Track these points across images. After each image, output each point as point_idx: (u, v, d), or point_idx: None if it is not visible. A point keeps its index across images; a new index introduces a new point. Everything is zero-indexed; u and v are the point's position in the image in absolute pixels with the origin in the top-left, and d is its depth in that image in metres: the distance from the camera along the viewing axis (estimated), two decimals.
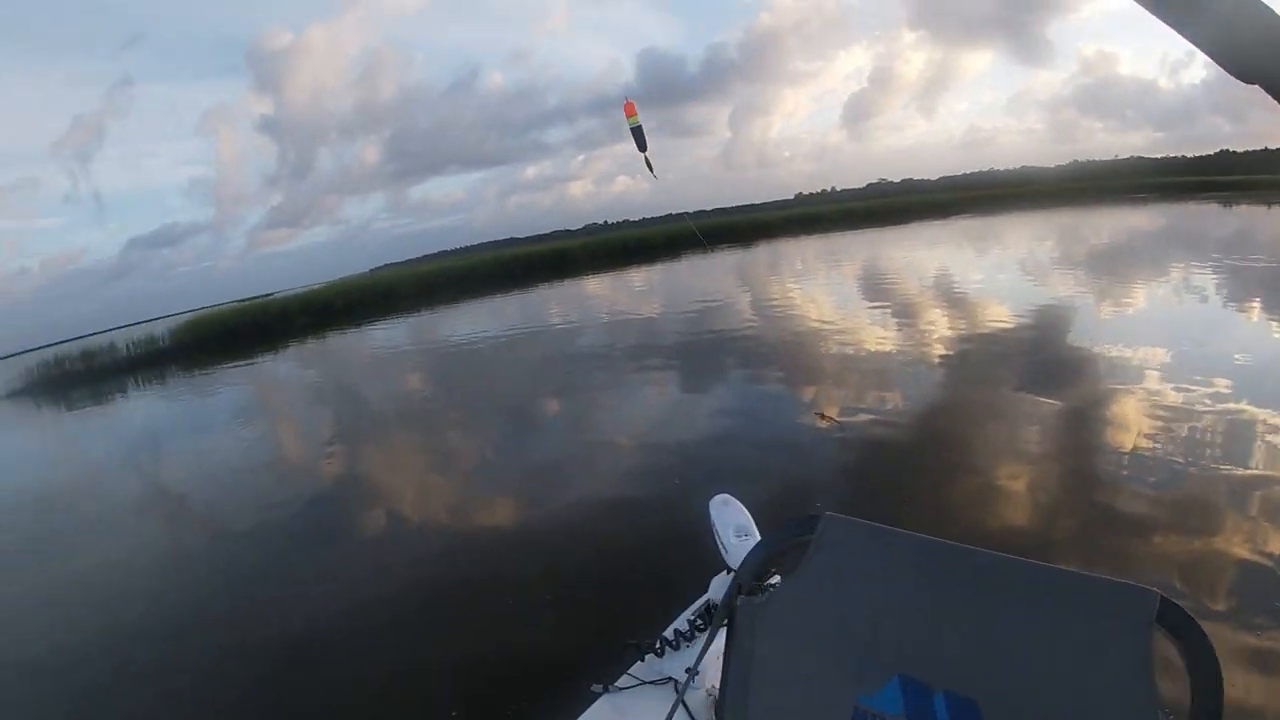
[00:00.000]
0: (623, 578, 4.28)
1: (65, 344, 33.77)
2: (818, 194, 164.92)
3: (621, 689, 1.97)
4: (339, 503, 6.73)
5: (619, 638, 2.18)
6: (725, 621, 1.14)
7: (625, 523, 5.07)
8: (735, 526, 1.99)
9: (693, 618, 2.08)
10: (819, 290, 17.20)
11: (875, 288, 16.60)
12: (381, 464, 7.87)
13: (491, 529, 5.42)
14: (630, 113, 5.13)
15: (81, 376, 27.10)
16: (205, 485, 8.23)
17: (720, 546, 1.99)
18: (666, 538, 4.62)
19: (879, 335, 10.38)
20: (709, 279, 23.71)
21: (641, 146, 5.21)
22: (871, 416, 6.70)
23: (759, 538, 1.77)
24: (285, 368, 19.35)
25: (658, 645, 2.06)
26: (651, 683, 1.96)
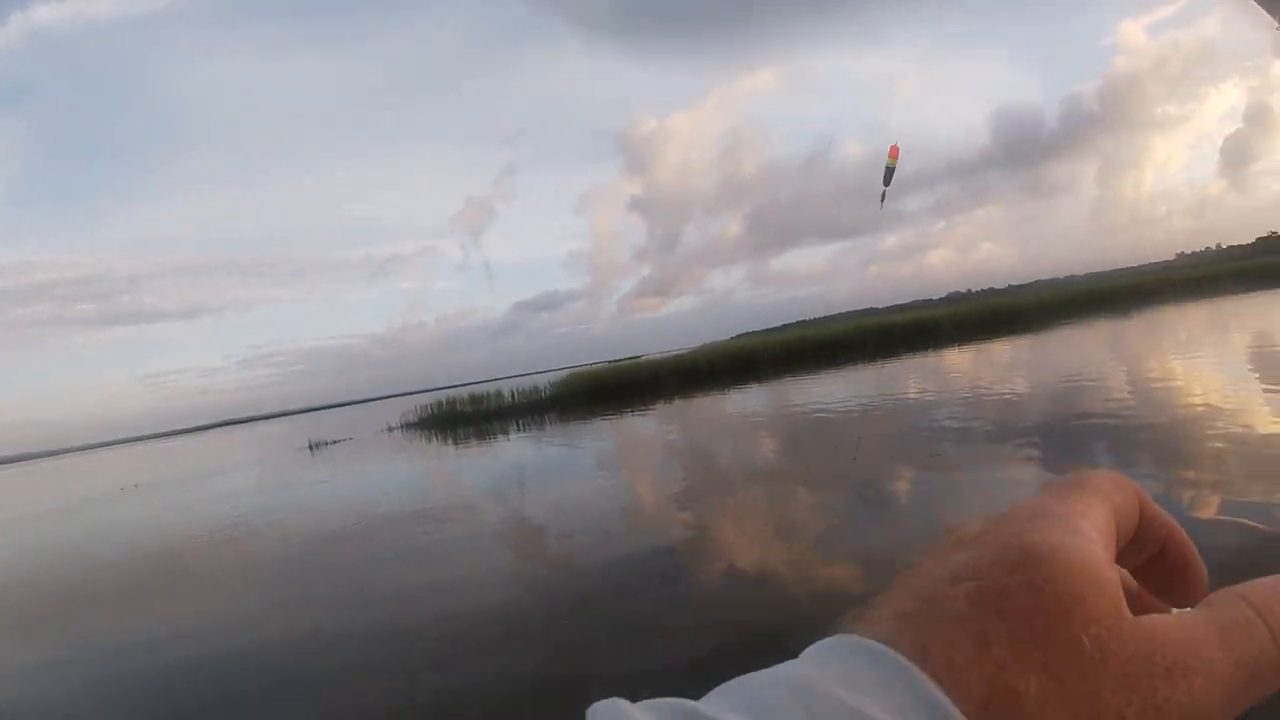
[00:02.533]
0: None
1: (456, 388, 37.36)
2: (1200, 252, 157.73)
3: None
4: (678, 550, 6.68)
5: None
6: None
7: None
8: None
9: None
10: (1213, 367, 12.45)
11: None
12: (722, 520, 7.73)
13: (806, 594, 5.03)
14: (894, 156, 6.24)
15: (469, 417, 29.73)
16: (559, 521, 9.05)
17: None
18: None
19: None
20: (1092, 351, 18.81)
21: (886, 182, 6.12)
22: None
23: None
24: (649, 425, 19.04)
25: None
26: None
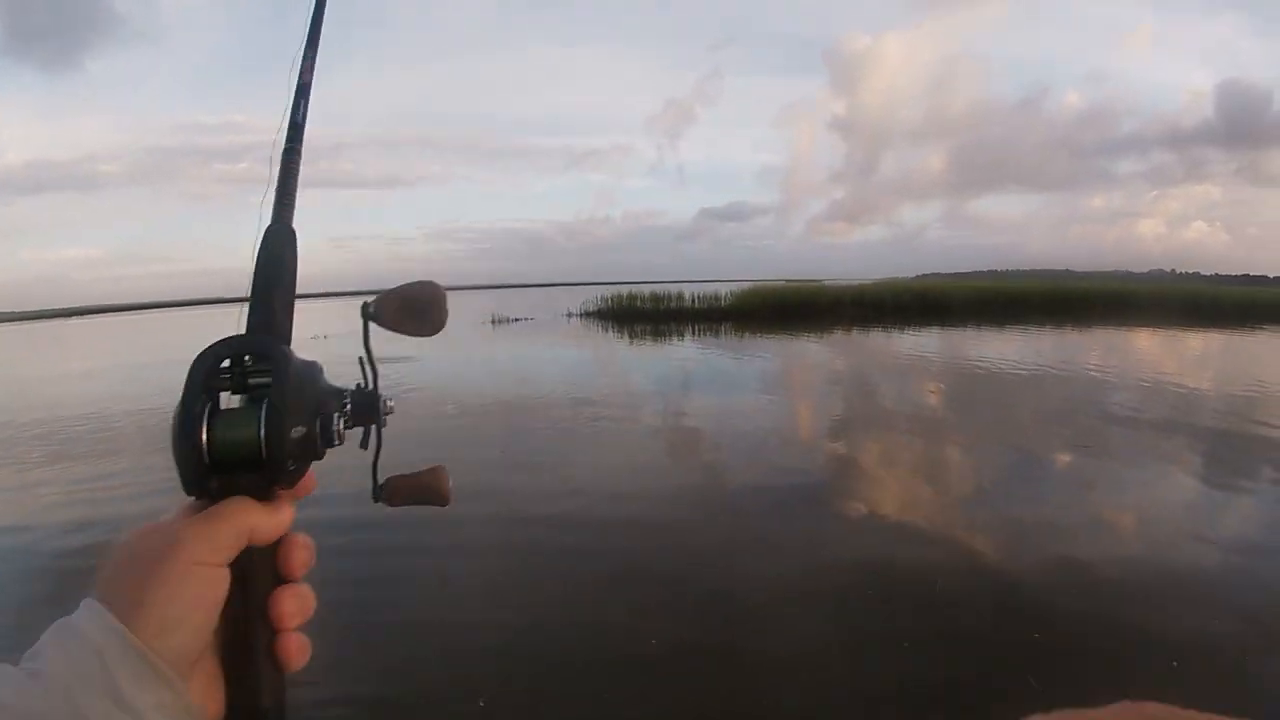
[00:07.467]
0: None
1: (635, 284, 37.91)
2: None
3: None
4: (821, 480, 6.87)
5: None
6: None
7: None
8: None
9: None
10: None
11: None
12: (866, 457, 7.87)
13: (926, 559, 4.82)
14: None
15: (647, 314, 30.51)
16: (713, 431, 9.07)
17: None
18: None
19: None
20: None
21: None
22: None
23: None
24: (822, 352, 19.06)
25: None
26: None
